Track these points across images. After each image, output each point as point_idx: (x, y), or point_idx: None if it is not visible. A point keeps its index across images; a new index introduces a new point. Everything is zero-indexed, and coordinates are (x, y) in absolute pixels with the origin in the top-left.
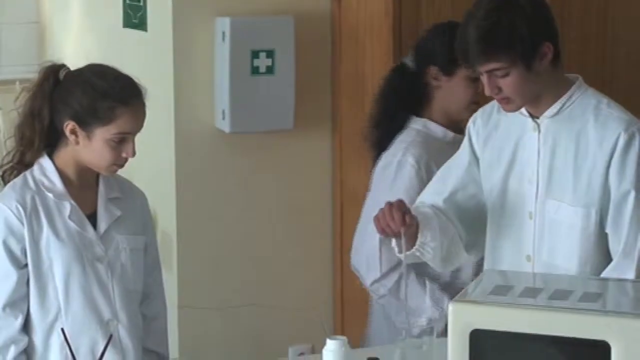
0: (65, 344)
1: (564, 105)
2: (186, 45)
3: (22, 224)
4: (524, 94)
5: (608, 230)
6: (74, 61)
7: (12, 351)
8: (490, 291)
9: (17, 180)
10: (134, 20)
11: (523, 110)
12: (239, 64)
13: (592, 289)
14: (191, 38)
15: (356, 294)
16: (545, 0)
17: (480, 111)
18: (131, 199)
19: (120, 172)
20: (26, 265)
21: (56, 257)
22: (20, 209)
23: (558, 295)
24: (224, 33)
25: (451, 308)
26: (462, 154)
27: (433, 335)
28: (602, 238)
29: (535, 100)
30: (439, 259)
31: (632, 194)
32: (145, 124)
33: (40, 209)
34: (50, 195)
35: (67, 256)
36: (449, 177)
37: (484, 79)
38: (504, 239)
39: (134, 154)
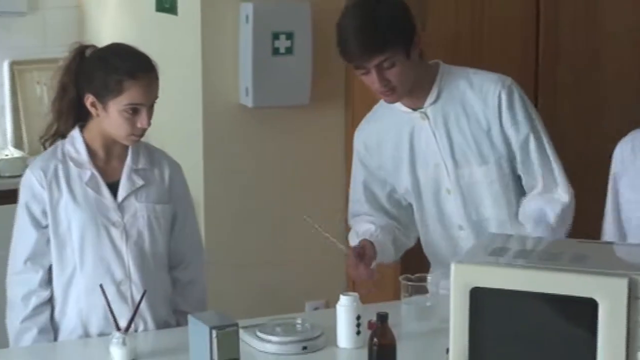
0: (79, 302)
1: (439, 89)
2: (213, 28)
3: (43, 187)
4: (406, 82)
5: (520, 171)
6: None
7: (33, 301)
8: (488, 253)
9: (48, 150)
10: (165, 5)
11: (403, 107)
12: (261, 45)
13: (580, 251)
14: (217, 21)
15: None
16: None
17: (361, 130)
18: (159, 170)
19: (153, 143)
20: (46, 226)
21: (73, 219)
22: (42, 175)
23: (549, 256)
24: (247, 17)
25: (453, 268)
26: (356, 174)
27: (437, 292)
28: (516, 181)
29: (412, 90)
30: (393, 258)
31: (531, 136)
32: (175, 99)
33: (62, 175)
34: (71, 164)
35: (83, 219)
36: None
37: (373, 74)
38: (431, 220)
39: (148, 124)
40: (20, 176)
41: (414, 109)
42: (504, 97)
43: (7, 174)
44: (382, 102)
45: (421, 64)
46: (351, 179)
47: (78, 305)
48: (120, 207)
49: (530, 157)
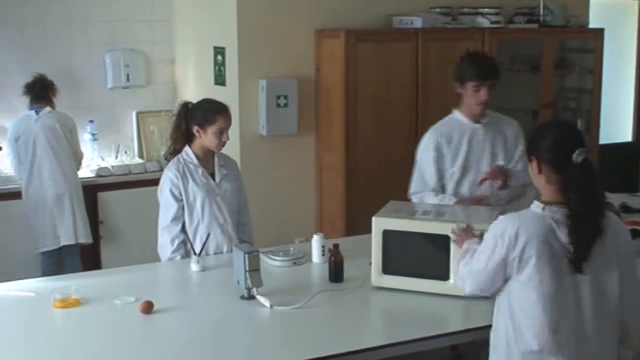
0: (202, 239)
1: (489, 116)
2: (245, 93)
3: (178, 179)
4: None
5: (518, 165)
6: (192, 101)
7: (176, 242)
8: (393, 211)
9: (174, 159)
10: (219, 81)
11: (466, 119)
12: (270, 101)
13: (444, 210)
14: (247, 89)
15: (326, 219)
16: None
17: (438, 132)
18: (230, 165)
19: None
20: (182, 200)
21: (197, 195)
22: (177, 173)
23: (425, 213)
24: (263, 87)
25: (373, 220)
26: (429, 158)
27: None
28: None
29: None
30: None
31: (524, 150)
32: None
33: (187, 172)
34: (191, 165)
35: (202, 195)
36: (430, 173)
37: (485, 89)
38: (467, 190)
39: (228, 138)
40: (142, 173)
41: (475, 121)
42: (518, 130)
43: (135, 172)
44: (446, 118)
45: None
46: (421, 164)
47: (202, 242)
48: (218, 186)
49: (522, 160)
